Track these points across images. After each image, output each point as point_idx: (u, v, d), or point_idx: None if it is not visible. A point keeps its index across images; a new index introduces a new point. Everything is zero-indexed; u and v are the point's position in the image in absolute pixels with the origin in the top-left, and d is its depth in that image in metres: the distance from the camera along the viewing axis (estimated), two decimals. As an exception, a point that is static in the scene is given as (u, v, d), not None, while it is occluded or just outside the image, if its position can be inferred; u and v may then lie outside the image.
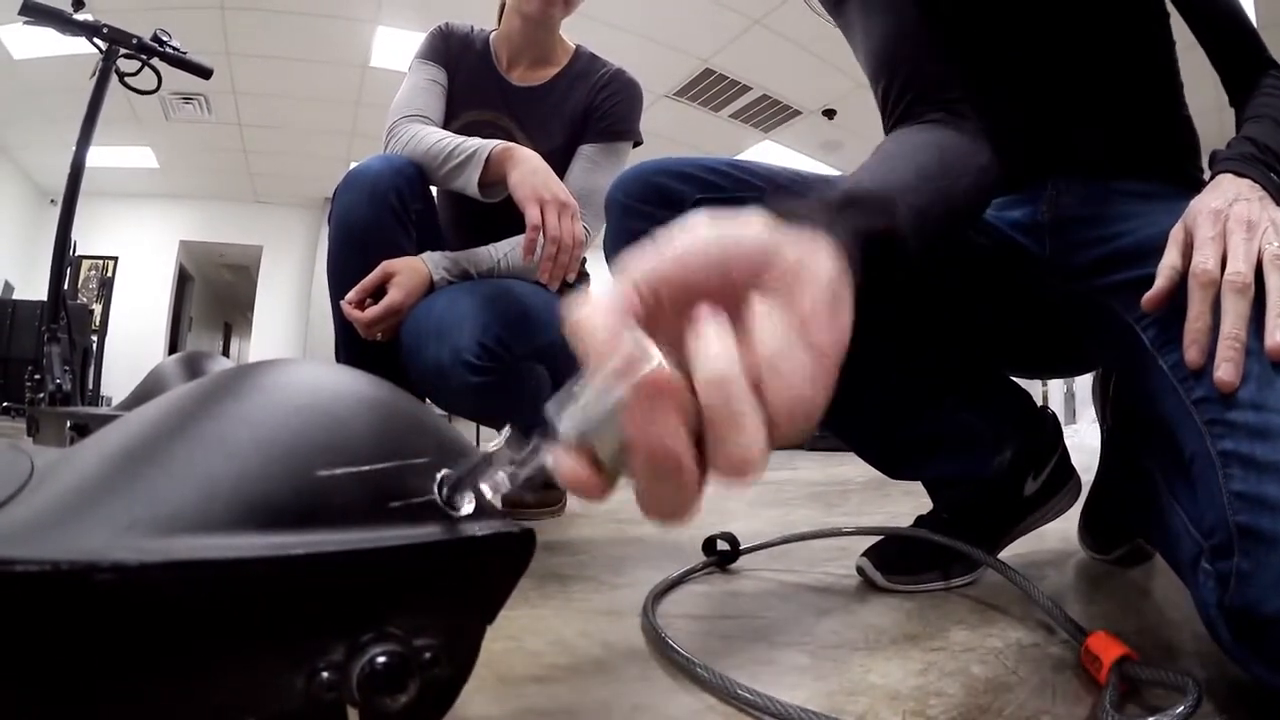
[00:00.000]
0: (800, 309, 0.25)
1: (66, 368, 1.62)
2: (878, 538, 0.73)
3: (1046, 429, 0.79)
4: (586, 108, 1.08)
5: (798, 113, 4.93)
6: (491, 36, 1.12)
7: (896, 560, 0.70)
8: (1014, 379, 0.80)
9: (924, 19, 0.60)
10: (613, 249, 0.68)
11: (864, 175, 0.45)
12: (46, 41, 3.90)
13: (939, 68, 0.59)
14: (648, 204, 0.65)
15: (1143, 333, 0.51)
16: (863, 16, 0.63)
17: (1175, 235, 0.48)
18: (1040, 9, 0.65)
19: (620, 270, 0.26)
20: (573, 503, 1.26)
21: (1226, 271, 0.43)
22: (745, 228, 0.27)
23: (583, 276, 1.15)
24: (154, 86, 1.84)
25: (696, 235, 0.26)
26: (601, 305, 0.24)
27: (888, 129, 0.60)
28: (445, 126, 1.07)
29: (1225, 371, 0.40)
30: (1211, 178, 0.52)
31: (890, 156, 0.50)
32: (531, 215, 0.84)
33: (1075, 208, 0.66)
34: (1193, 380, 0.43)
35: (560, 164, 1.04)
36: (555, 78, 1.11)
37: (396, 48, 4.48)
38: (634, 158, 0.86)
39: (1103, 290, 0.59)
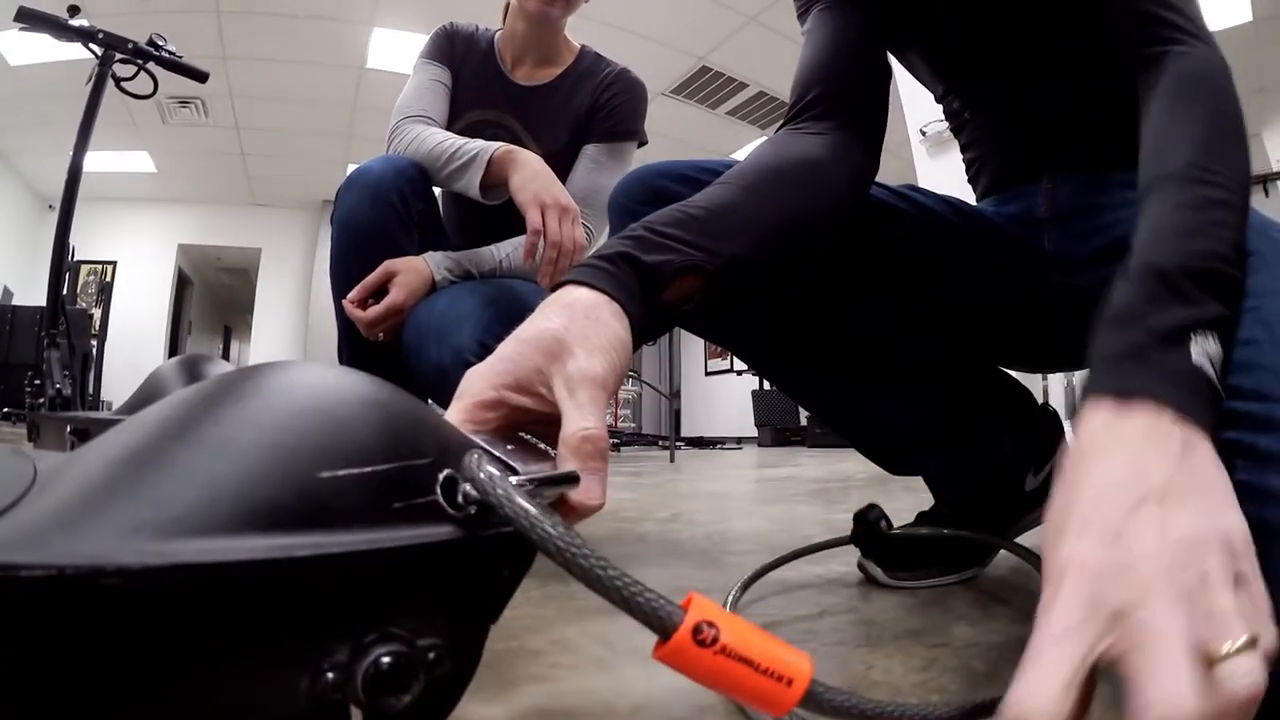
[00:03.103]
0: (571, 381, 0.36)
1: (66, 372, 1.62)
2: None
3: (1047, 425, 0.79)
4: (591, 107, 1.08)
5: (795, 110, 4.94)
6: (496, 36, 1.12)
7: (898, 556, 0.70)
8: (1014, 375, 0.80)
9: (852, 42, 0.67)
10: None
11: (699, 211, 0.51)
12: (43, 48, 3.90)
13: (840, 79, 0.65)
14: (648, 206, 0.66)
15: None
16: (809, 34, 0.71)
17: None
18: (1032, 4, 0.65)
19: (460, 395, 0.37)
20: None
21: None
22: (545, 323, 0.40)
23: None
24: (150, 91, 1.84)
25: (504, 351, 0.39)
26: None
27: (779, 127, 0.67)
28: (449, 126, 1.06)
29: None
30: (1083, 400, 0.33)
31: (742, 187, 0.54)
32: (532, 219, 0.84)
33: (1073, 199, 0.66)
34: None
35: (564, 164, 1.04)
36: (560, 77, 1.10)
37: (393, 49, 4.48)
38: (639, 158, 0.86)
39: (1104, 281, 0.59)
